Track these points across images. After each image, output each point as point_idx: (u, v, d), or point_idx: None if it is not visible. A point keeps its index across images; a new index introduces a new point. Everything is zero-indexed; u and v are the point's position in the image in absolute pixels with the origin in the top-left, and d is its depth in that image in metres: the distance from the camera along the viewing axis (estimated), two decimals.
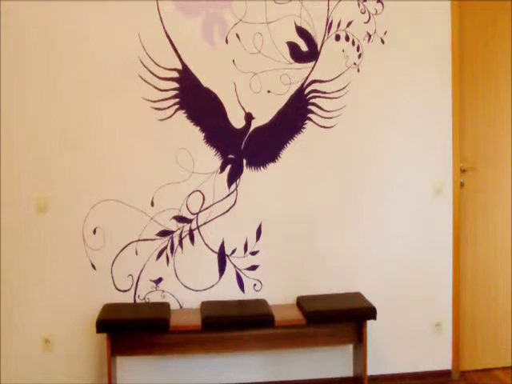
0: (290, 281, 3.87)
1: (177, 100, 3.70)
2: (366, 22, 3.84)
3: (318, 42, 3.81)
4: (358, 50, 3.84)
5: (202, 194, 3.76)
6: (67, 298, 3.67)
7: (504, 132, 4.07)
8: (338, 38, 3.82)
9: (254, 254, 3.83)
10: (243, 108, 3.77)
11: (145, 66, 3.66)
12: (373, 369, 3.84)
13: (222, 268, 3.81)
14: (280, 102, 3.80)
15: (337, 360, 3.93)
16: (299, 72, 3.80)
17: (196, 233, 3.77)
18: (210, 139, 3.76)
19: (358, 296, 3.82)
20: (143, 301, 3.75)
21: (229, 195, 3.79)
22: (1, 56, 3.54)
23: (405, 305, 3.97)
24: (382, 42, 3.87)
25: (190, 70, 3.70)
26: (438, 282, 3.99)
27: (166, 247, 3.75)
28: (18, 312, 3.64)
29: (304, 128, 3.84)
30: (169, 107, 3.70)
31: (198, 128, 3.74)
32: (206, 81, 3.72)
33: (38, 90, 3.59)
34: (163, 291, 3.76)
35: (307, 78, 3.81)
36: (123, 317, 3.51)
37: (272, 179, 3.82)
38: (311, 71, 3.81)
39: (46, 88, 3.59)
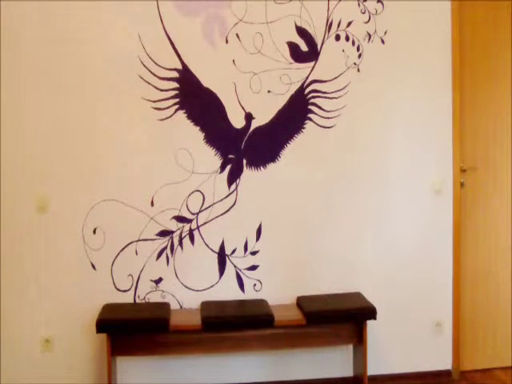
0: (290, 281, 3.87)
1: (177, 100, 3.71)
2: (366, 22, 3.84)
3: (318, 42, 3.81)
4: (358, 49, 3.85)
5: (202, 194, 3.76)
6: (67, 298, 3.67)
7: (504, 132, 4.07)
8: (338, 37, 3.82)
9: (254, 253, 3.83)
10: (243, 108, 3.77)
11: (145, 66, 3.66)
12: (373, 369, 3.84)
13: (221, 268, 3.81)
14: (280, 102, 3.80)
15: (337, 360, 3.93)
16: (299, 72, 3.80)
17: (196, 233, 3.77)
18: (210, 139, 3.76)
19: (358, 296, 3.82)
20: (143, 301, 3.75)
21: (229, 195, 3.79)
22: (1, 55, 3.54)
23: (405, 305, 3.97)
24: (382, 41, 3.87)
25: (190, 69, 3.71)
26: (438, 282, 4.00)
27: (165, 247, 3.75)
28: (18, 312, 3.64)
29: (304, 128, 3.84)
30: (169, 107, 3.70)
31: (198, 128, 3.74)
32: (206, 81, 3.72)
33: (38, 91, 3.59)
34: (163, 291, 3.76)
35: (307, 77, 3.81)
36: (123, 317, 3.51)
37: (272, 179, 3.82)
38: (311, 71, 3.81)
39: (45, 88, 3.59)
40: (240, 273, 3.83)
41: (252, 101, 3.77)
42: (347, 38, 3.83)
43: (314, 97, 3.83)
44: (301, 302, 3.75)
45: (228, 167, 3.78)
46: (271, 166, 3.82)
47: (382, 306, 3.77)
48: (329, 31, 3.81)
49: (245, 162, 3.80)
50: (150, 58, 3.65)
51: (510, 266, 4.10)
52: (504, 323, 4.12)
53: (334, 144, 3.86)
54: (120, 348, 3.52)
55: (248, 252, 3.82)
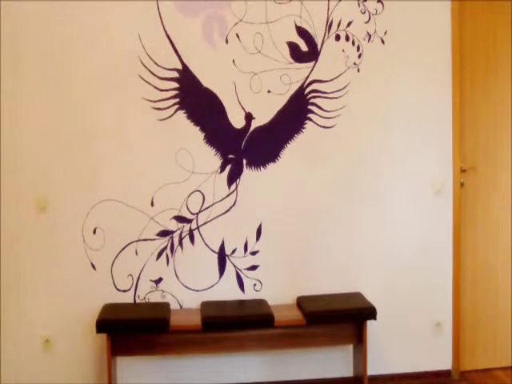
0: (290, 281, 3.87)
1: (177, 100, 3.71)
2: (366, 22, 3.84)
3: (318, 41, 3.81)
4: (358, 49, 3.84)
5: (202, 194, 3.76)
6: (67, 298, 3.67)
7: (504, 132, 4.07)
8: (338, 37, 3.82)
9: (254, 253, 3.83)
10: (243, 108, 3.77)
11: (145, 66, 3.66)
12: (373, 369, 3.84)
13: (221, 268, 3.81)
14: (280, 102, 3.80)
15: (337, 360, 3.93)
16: (299, 72, 3.80)
17: (196, 233, 3.77)
18: (210, 139, 3.76)
19: (358, 296, 3.82)
20: (143, 301, 3.75)
21: (229, 195, 3.79)
22: (1, 55, 3.54)
23: (405, 305, 3.97)
24: (382, 41, 3.87)
25: (190, 70, 3.71)
26: (438, 282, 3.99)
27: (165, 247, 3.75)
28: (17, 312, 3.64)
29: (304, 128, 3.84)
30: (169, 107, 3.70)
31: (198, 128, 3.75)
32: (206, 81, 3.72)
33: (38, 91, 3.59)
34: (163, 291, 3.76)
35: (307, 77, 3.81)
36: (123, 317, 3.51)
37: (272, 179, 3.82)
38: (311, 71, 3.81)
39: (45, 88, 3.59)
40: (240, 273, 3.83)
41: (252, 101, 3.77)
42: (347, 38, 3.83)
43: (313, 97, 3.83)
44: (301, 301, 3.75)
45: (228, 167, 3.78)
46: (271, 166, 3.82)
47: (381, 306, 3.76)
48: (329, 31, 3.81)
49: (245, 161, 3.80)
50: (150, 58, 3.65)
51: (510, 266, 4.10)
52: (504, 323, 4.11)
53: (333, 144, 3.86)
54: (120, 348, 3.52)
55: (248, 252, 3.82)
